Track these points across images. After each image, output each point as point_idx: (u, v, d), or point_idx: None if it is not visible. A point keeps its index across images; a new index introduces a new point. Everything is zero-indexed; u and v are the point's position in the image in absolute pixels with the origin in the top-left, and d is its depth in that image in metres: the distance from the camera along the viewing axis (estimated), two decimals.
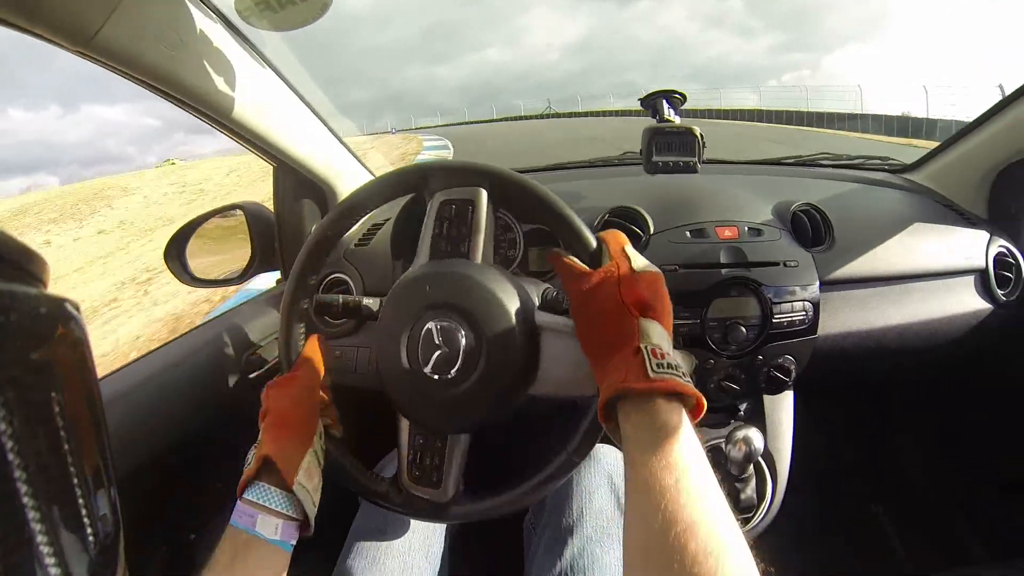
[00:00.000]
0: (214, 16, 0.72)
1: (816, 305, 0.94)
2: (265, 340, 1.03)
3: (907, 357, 1.06)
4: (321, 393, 0.64)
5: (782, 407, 1.02)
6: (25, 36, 0.55)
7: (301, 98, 0.95)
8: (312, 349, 0.66)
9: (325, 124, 1.02)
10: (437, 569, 0.78)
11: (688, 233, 0.95)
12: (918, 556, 1.27)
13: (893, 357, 1.04)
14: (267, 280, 1.14)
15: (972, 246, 1.07)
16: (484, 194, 0.62)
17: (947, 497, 1.34)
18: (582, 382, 0.56)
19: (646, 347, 0.47)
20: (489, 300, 0.58)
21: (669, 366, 0.46)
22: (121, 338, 5.32)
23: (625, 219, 0.97)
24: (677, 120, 0.92)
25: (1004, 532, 1.21)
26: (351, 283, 0.98)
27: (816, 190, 1.12)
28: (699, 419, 0.46)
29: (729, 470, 0.90)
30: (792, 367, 0.95)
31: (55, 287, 0.24)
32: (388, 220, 1.02)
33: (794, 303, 0.93)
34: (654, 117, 0.92)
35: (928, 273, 1.04)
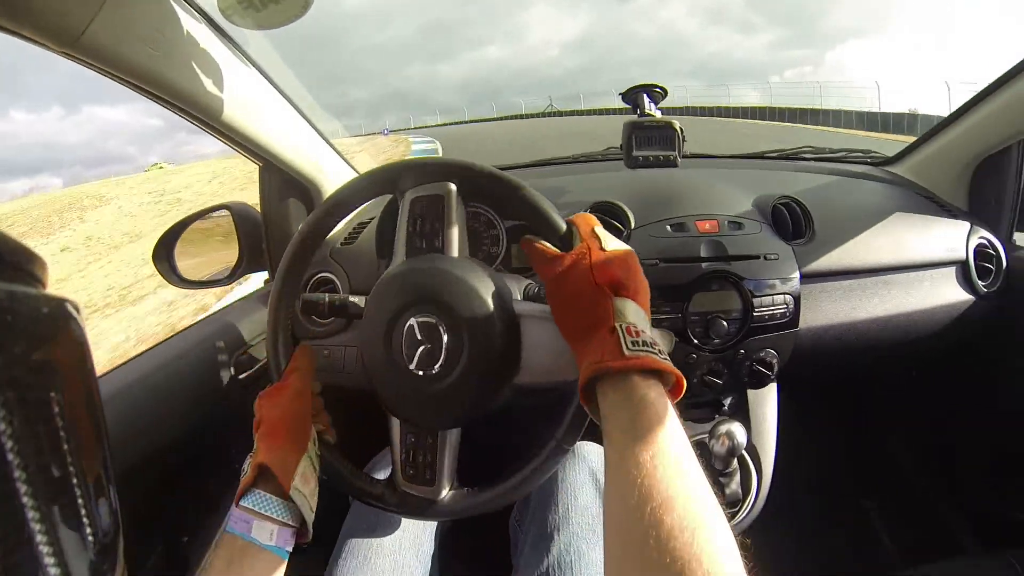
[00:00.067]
0: (198, 16, 0.73)
1: (797, 298, 0.95)
2: (255, 340, 1.03)
3: (890, 349, 1.06)
4: (312, 399, 0.65)
5: (766, 401, 1.03)
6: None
7: (286, 98, 0.95)
8: (301, 357, 0.66)
9: (310, 123, 1.03)
10: (428, 567, 0.79)
11: (669, 227, 0.96)
12: (908, 549, 1.27)
13: (876, 349, 1.05)
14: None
15: (953, 238, 1.08)
16: (453, 188, 0.62)
17: (936, 489, 1.34)
18: (565, 368, 0.56)
19: (621, 326, 0.47)
20: (465, 292, 0.58)
21: (645, 344, 0.46)
22: None
23: (606, 214, 0.97)
24: (658, 114, 0.93)
25: (994, 523, 1.21)
26: (337, 282, 0.99)
27: (797, 183, 1.13)
28: (679, 398, 0.46)
29: (713, 465, 0.90)
30: (774, 361, 0.96)
31: None
32: (373, 219, 1.03)
33: (775, 296, 0.94)
34: (634, 111, 0.92)
35: (909, 265, 1.05)
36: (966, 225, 1.10)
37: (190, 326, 1.02)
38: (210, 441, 0.93)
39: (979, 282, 1.06)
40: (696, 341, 0.93)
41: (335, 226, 0.70)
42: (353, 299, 0.70)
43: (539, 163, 1.35)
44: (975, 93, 1.09)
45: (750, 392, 1.02)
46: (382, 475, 0.68)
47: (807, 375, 1.08)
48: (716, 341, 0.94)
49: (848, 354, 1.04)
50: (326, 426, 0.68)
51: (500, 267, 0.97)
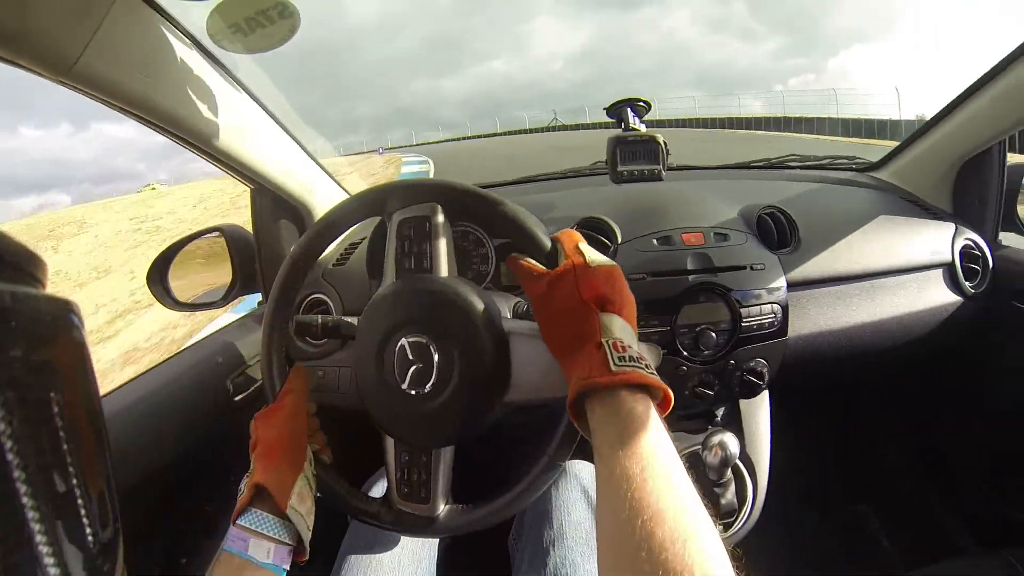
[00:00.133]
0: (189, 42, 0.74)
1: (785, 307, 0.96)
2: (251, 361, 1.04)
3: (879, 354, 1.07)
4: (308, 419, 0.66)
5: (758, 411, 1.03)
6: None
7: (276, 121, 0.97)
8: (296, 378, 0.67)
9: (301, 146, 1.04)
10: None
11: (655, 241, 0.97)
12: (906, 552, 1.28)
13: (865, 354, 1.06)
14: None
15: (938, 240, 1.09)
16: (439, 209, 0.63)
17: (931, 492, 1.35)
18: (554, 384, 0.56)
19: (607, 341, 0.48)
20: (455, 312, 0.59)
21: (632, 359, 0.47)
22: None
23: (593, 229, 0.98)
24: (642, 128, 0.94)
25: (989, 523, 1.22)
26: (330, 303, 0.99)
27: (782, 192, 1.14)
28: (668, 412, 0.47)
29: (707, 475, 0.90)
30: (764, 370, 0.96)
31: None
32: (364, 240, 1.04)
33: (762, 306, 0.94)
34: (619, 126, 0.94)
35: (896, 269, 1.06)
36: (951, 227, 1.11)
37: (185, 348, 1.02)
38: (207, 462, 0.93)
39: (966, 283, 1.07)
40: (686, 353, 0.94)
41: (326, 248, 0.71)
42: (346, 320, 0.70)
43: (526, 179, 1.36)
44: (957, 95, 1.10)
45: (742, 402, 1.02)
46: (378, 494, 0.68)
47: (798, 383, 1.09)
48: (706, 352, 0.94)
49: (838, 360, 1.05)
50: (322, 446, 0.68)
51: (490, 285, 0.98)
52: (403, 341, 0.59)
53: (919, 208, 1.17)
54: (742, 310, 0.93)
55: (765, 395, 1.04)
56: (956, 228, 1.11)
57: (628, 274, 0.56)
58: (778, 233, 1.02)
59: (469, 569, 1.00)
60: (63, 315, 0.24)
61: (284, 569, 0.56)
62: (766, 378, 0.96)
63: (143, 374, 0.91)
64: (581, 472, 0.85)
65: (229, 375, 0.98)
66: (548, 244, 0.60)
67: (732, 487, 0.94)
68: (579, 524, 0.77)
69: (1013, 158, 1.15)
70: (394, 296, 0.63)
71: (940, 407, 1.32)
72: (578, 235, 0.60)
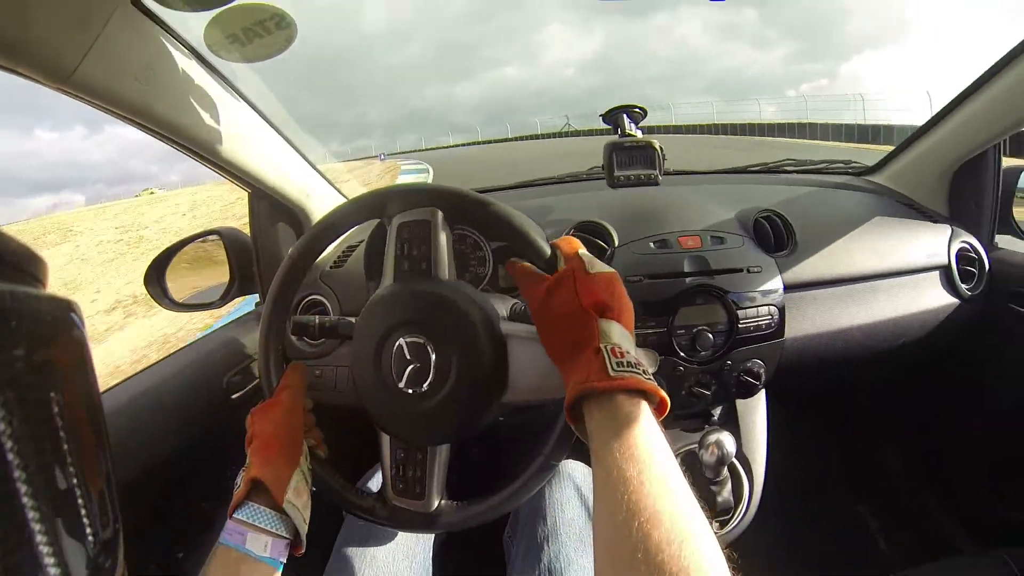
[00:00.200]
0: (186, 51, 0.75)
1: (781, 309, 0.96)
2: (247, 360, 1.04)
3: (876, 355, 1.08)
4: (304, 416, 0.66)
5: (755, 410, 1.04)
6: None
7: (273, 127, 0.97)
8: (292, 375, 0.67)
9: (297, 151, 1.05)
10: None
11: (652, 244, 0.97)
12: (903, 551, 1.28)
13: (863, 356, 1.06)
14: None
15: (934, 243, 1.10)
16: (439, 213, 0.64)
17: (927, 492, 1.35)
18: (551, 386, 0.57)
19: (606, 347, 0.48)
20: (453, 313, 0.60)
21: (629, 364, 0.47)
22: None
23: (590, 233, 0.99)
24: (639, 134, 0.95)
25: (985, 522, 1.22)
26: (328, 304, 1.00)
27: (778, 196, 1.14)
28: (664, 416, 0.47)
29: (704, 474, 0.91)
30: (761, 371, 0.97)
31: None
32: (362, 242, 1.04)
33: (759, 308, 0.95)
34: (615, 132, 0.94)
35: (892, 272, 1.06)
36: (947, 230, 1.11)
37: (183, 347, 1.03)
38: (204, 459, 0.94)
39: (962, 286, 1.08)
40: (683, 354, 0.95)
41: (324, 250, 0.71)
42: (343, 321, 0.71)
43: (525, 184, 1.37)
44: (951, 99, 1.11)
45: (739, 402, 1.03)
46: (374, 489, 0.69)
47: (795, 384, 1.09)
48: (703, 353, 0.95)
49: (835, 361, 1.05)
50: (318, 441, 0.69)
51: (487, 287, 0.99)
52: (401, 341, 0.60)
53: (915, 211, 1.17)
54: (739, 312, 0.94)
55: (762, 395, 1.04)
56: (952, 231, 1.11)
57: (625, 276, 0.57)
58: (775, 236, 1.03)
59: (464, 565, 1.01)
60: (63, 315, 0.24)
61: (281, 562, 0.56)
62: (763, 379, 0.97)
63: (141, 371, 0.92)
64: (574, 472, 0.86)
65: (226, 373, 0.99)
66: (548, 250, 0.60)
67: (728, 486, 0.95)
68: (572, 521, 0.78)
69: (1008, 162, 1.16)
70: (393, 297, 0.63)
71: (937, 408, 1.33)
72: (577, 241, 0.60)
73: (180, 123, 0.76)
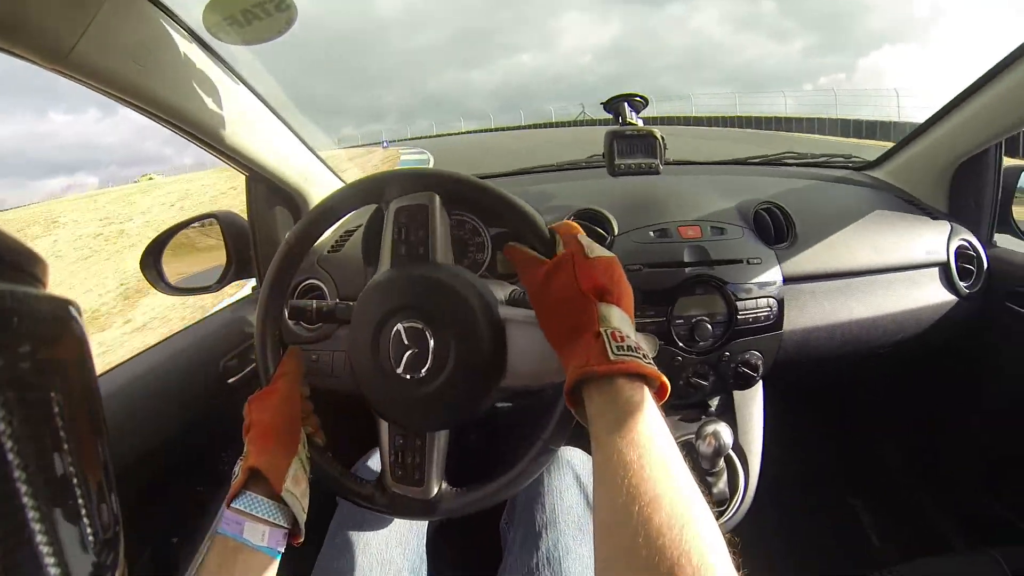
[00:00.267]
0: (184, 32, 0.74)
1: (780, 301, 0.96)
2: (244, 344, 1.04)
3: (874, 350, 1.08)
4: (302, 402, 0.66)
5: (752, 402, 1.04)
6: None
7: (272, 110, 0.97)
8: (289, 361, 0.67)
9: (296, 135, 1.04)
10: (415, 564, 0.80)
11: (652, 233, 0.97)
12: (895, 546, 1.29)
13: (860, 350, 1.06)
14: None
15: (933, 240, 1.09)
16: (437, 198, 0.63)
17: (922, 487, 1.35)
18: (551, 371, 0.57)
19: (606, 331, 0.48)
20: (450, 298, 0.59)
21: (629, 348, 0.47)
22: None
23: (590, 221, 0.99)
24: (639, 123, 0.95)
25: (979, 520, 1.22)
26: (325, 288, 1.00)
27: (779, 188, 1.14)
28: (664, 400, 0.47)
29: (700, 465, 0.91)
30: (759, 362, 0.97)
31: None
32: (359, 227, 1.04)
33: (758, 299, 0.95)
34: (616, 120, 0.94)
35: (891, 267, 1.06)
36: (947, 227, 1.11)
37: (179, 331, 1.02)
38: (199, 444, 0.94)
39: (960, 283, 1.08)
40: (681, 344, 0.94)
41: (322, 234, 0.71)
42: (340, 306, 0.70)
43: (524, 171, 1.36)
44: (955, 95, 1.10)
45: (736, 393, 1.03)
46: (367, 474, 0.69)
47: (793, 376, 1.10)
48: (701, 344, 0.95)
49: (833, 355, 1.05)
50: (316, 429, 0.68)
51: (486, 273, 0.99)
52: (399, 326, 0.60)
53: (915, 208, 1.17)
54: (738, 303, 0.94)
55: (759, 387, 1.04)
56: (952, 228, 1.11)
57: (625, 265, 0.57)
58: (775, 228, 1.02)
59: (459, 552, 1.02)
60: (63, 314, 0.24)
61: (279, 552, 0.56)
62: (760, 370, 0.97)
63: (137, 355, 0.92)
64: (573, 458, 0.86)
65: (223, 357, 0.99)
66: (547, 234, 0.60)
67: (724, 477, 0.95)
68: (571, 509, 0.78)
69: (1008, 161, 1.16)
70: (390, 282, 0.63)
71: (934, 405, 1.33)
72: (576, 226, 0.60)
73: (177, 105, 0.76)
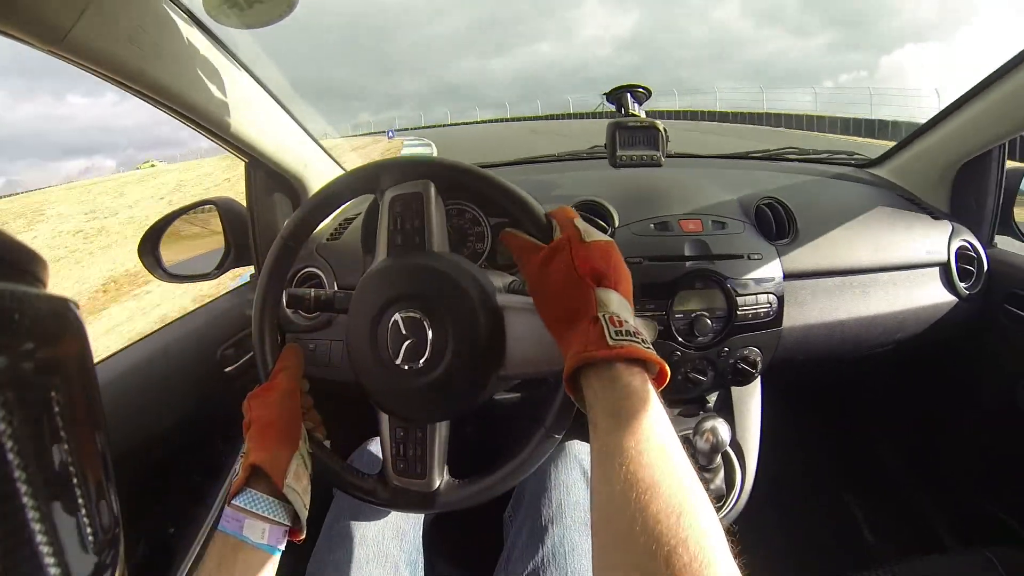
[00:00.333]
0: (184, 15, 0.73)
1: (780, 297, 0.96)
2: (241, 332, 1.03)
3: (873, 348, 1.07)
4: (302, 397, 0.66)
5: (750, 398, 1.04)
6: None
7: (272, 95, 0.96)
8: (288, 356, 0.66)
9: (296, 121, 1.03)
10: (411, 556, 0.80)
11: (653, 226, 0.97)
12: (890, 544, 1.29)
13: (859, 348, 1.06)
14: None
15: (934, 240, 1.09)
16: (432, 186, 0.63)
17: (917, 486, 1.36)
18: (549, 358, 0.56)
19: (604, 315, 0.47)
20: (447, 287, 0.59)
21: (628, 333, 0.47)
22: None
23: (590, 212, 0.98)
24: (642, 114, 0.94)
25: (974, 520, 1.23)
26: (323, 277, 0.99)
27: (780, 183, 1.14)
28: (664, 386, 0.47)
29: (697, 460, 0.91)
30: (758, 359, 0.96)
31: None
32: (359, 215, 1.03)
33: (758, 295, 0.95)
34: (619, 111, 0.93)
35: (891, 266, 1.06)
36: (948, 227, 1.11)
37: (176, 319, 1.02)
38: (196, 432, 0.93)
39: (960, 284, 1.08)
40: (680, 339, 0.94)
41: (319, 223, 0.70)
42: (339, 294, 0.70)
43: (525, 161, 1.36)
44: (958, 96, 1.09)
45: (734, 389, 1.03)
46: (367, 465, 0.68)
47: (792, 373, 1.09)
48: (700, 339, 0.94)
49: (832, 352, 1.05)
50: (316, 424, 0.68)
51: (485, 263, 0.98)
52: (396, 316, 0.59)
53: (916, 207, 1.17)
54: (738, 298, 0.93)
55: (757, 384, 1.04)
56: (952, 229, 1.11)
57: (625, 257, 0.57)
58: (776, 224, 1.02)
59: (456, 544, 1.01)
60: (63, 314, 0.24)
61: (279, 549, 0.56)
62: (759, 366, 0.97)
63: (134, 343, 0.91)
64: (580, 453, 0.85)
65: (220, 345, 0.98)
66: (543, 219, 0.59)
67: (721, 473, 0.95)
68: (578, 504, 0.78)
69: (1011, 164, 1.15)
70: (386, 271, 0.63)
71: (933, 404, 1.33)
72: (573, 211, 0.59)
73: (177, 89, 0.75)
